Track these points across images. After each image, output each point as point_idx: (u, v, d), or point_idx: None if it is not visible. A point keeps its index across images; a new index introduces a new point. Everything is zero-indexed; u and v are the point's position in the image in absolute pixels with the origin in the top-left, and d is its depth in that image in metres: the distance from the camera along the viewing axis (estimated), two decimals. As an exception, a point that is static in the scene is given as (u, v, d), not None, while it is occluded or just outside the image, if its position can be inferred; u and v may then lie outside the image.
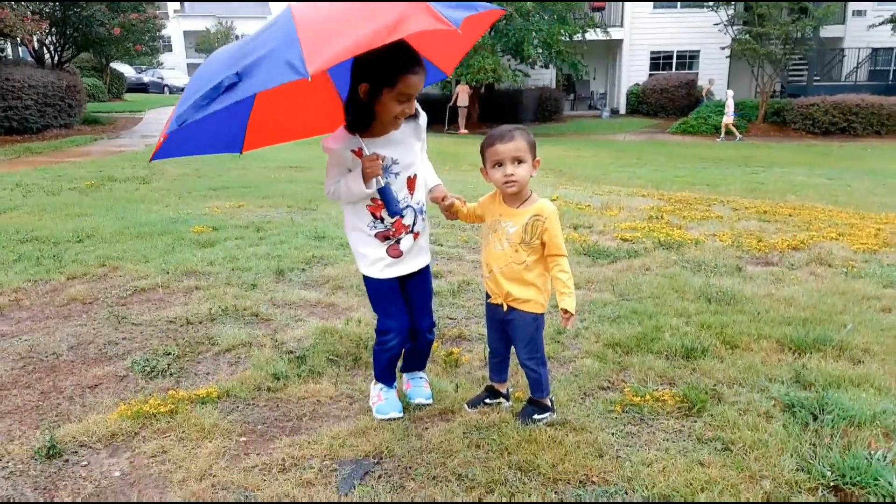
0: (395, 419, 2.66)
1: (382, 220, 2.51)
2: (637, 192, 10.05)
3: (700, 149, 20.07)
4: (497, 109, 24.51)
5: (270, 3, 46.30)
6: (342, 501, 2.14)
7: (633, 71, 28.18)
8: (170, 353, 3.42)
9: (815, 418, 2.62)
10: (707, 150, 19.59)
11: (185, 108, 1.92)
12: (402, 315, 2.63)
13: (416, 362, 2.92)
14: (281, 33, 1.89)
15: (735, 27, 24.27)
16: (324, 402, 2.88)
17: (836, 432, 2.51)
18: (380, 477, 2.28)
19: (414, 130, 2.53)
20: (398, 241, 2.54)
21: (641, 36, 27.69)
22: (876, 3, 25.59)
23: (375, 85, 2.30)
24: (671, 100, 25.77)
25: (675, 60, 28.42)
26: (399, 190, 2.48)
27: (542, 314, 2.59)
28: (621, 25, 27.68)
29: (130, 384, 3.12)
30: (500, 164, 2.41)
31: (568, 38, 23.30)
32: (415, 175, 2.52)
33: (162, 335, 3.71)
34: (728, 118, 21.83)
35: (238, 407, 2.83)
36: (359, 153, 2.42)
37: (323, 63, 1.74)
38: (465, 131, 22.87)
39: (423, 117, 2.55)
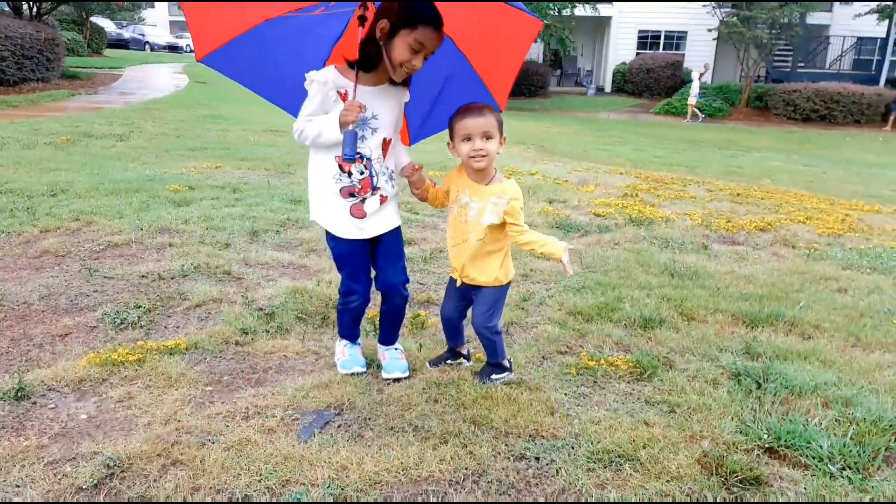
0: (358, 373, 2.73)
1: (350, 174, 2.49)
2: (615, 170, 10.16)
3: (682, 130, 20.21)
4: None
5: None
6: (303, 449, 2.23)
7: (621, 49, 28.16)
8: (140, 307, 3.47)
9: (759, 386, 2.75)
10: (688, 131, 19.73)
11: None
12: (366, 276, 2.66)
13: (391, 329, 2.85)
14: None
15: (723, 10, 24.31)
16: (290, 356, 2.96)
17: (777, 399, 2.64)
18: (339, 427, 2.37)
19: (401, 96, 2.57)
20: (363, 201, 2.53)
21: (630, 14, 27.63)
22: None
23: (396, 24, 2.32)
24: (656, 80, 25.84)
25: (662, 41, 28.43)
26: (374, 148, 2.50)
27: (505, 286, 2.65)
28: (611, 2, 27.57)
29: (100, 334, 3.18)
30: (468, 138, 2.45)
31: (557, 13, 23.19)
32: (390, 139, 2.56)
33: (133, 289, 3.75)
34: (692, 98, 22.03)
35: (205, 358, 2.90)
36: (344, 96, 2.42)
37: None
38: None
39: (407, 94, 2.60)
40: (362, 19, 2.32)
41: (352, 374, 2.73)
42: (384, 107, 2.50)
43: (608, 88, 28.61)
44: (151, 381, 2.66)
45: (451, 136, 2.52)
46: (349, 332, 2.82)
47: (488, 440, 2.29)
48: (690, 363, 2.98)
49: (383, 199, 2.58)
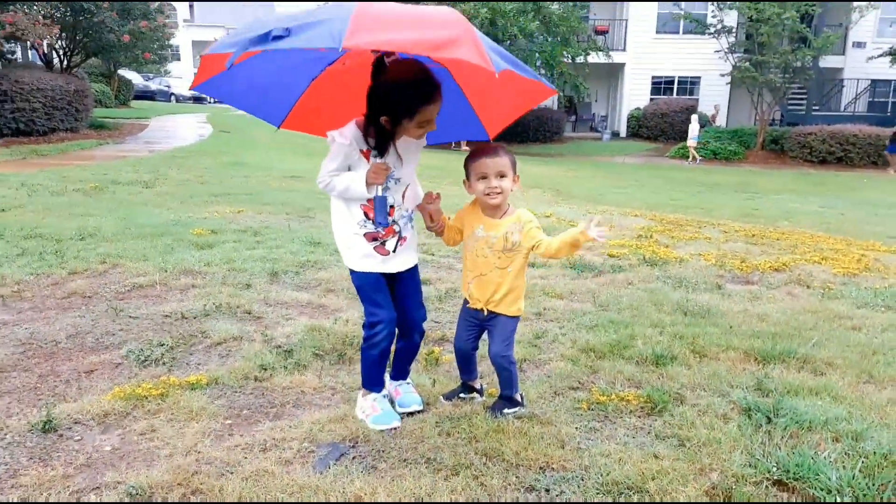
0: (395, 428, 2.64)
1: (374, 221, 2.60)
2: (630, 212, 10.24)
3: (697, 173, 20.33)
4: (500, 128, 24.79)
5: (275, 3, 46.59)
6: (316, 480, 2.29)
7: (635, 95, 28.53)
8: (164, 344, 3.58)
9: (770, 421, 2.78)
10: (704, 175, 19.84)
11: (236, 40, 2.06)
12: (390, 306, 2.69)
13: (404, 365, 2.91)
14: (339, 11, 2.05)
15: (735, 55, 24.63)
16: (307, 392, 3.04)
17: (786, 434, 2.66)
18: (354, 458, 2.44)
19: (417, 148, 2.69)
20: (384, 243, 2.64)
21: (643, 61, 28.06)
22: (876, 35, 25.97)
23: (396, 117, 2.45)
24: (671, 124, 26.09)
25: (676, 86, 28.78)
26: (398, 197, 2.63)
27: (519, 317, 2.75)
28: (624, 49, 28.06)
29: (125, 371, 3.28)
30: (484, 176, 2.58)
31: (570, 60, 23.64)
32: (408, 186, 2.69)
33: (157, 328, 3.87)
34: (692, 141, 22.36)
35: (225, 393, 2.99)
36: (366, 154, 2.52)
37: (358, 43, 1.90)
38: (468, 149, 23.11)
39: (423, 140, 2.70)
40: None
41: (390, 429, 2.63)
42: (406, 158, 2.61)
43: (623, 133, 28.90)
44: (173, 414, 2.75)
45: (467, 176, 2.65)
46: (375, 377, 2.75)
47: (499, 472, 2.34)
48: (701, 398, 3.02)
49: (402, 240, 2.69)
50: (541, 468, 2.38)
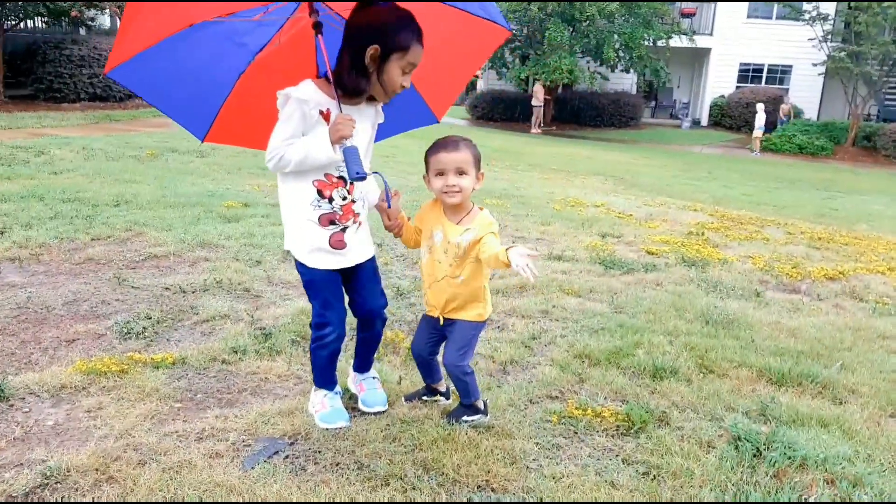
0: (341, 428, 2.50)
1: (331, 199, 2.33)
2: (690, 206, 9.72)
3: (778, 168, 19.21)
4: (572, 111, 24.21)
5: None
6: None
7: (720, 82, 27.18)
8: (150, 318, 3.55)
9: (758, 454, 2.48)
10: (785, 169, 18.73)
11: None
12: (341, 305, 2.50)
13: (368, 355, 2.73)
14: None
15: (831, 44, 23.07)
16: (271, 379, 2.94)
17: (772, 471, 2.37)
18: (287, 458, 2.31)
19: (376, 117, 2.47)
20: (344, 230, 2.38)
21: (731, 46, 26.64)
22: None
23: (388, 47, 2.21)
24: (756, 115, 24.73)
25: (765, 74, 27.23)
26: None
27: (482, 322, 2.53)
28: (711, 34, 26.73)
29: (104, 343, 3.27)
30: (441, 173, 2.37)
31: (652, 43, 22.71)
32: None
33: (152, 300, 3.86)
34: (758, 132, 21.40)
35: (187, 374, 2.92)
36: (327, 115, 2.26)
37: None
38: (538, 131, 22.61)
39: (382, 115, 2.49)
40: (318, 26, 2.26)
41: (335, 428, 2.49)
42: (361, 128, 2.35)
43: (704, 122, 27.65)
44: (125, 393, 2.70)
45: (426, 170, 2.44)
46: (326, 376, 2.57)
47: (431, 487, 2.16)
48: (688, 421, 2.74)
49: (360, 225, 2.46)
50: (478, 486, 2.19)
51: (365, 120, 2.40)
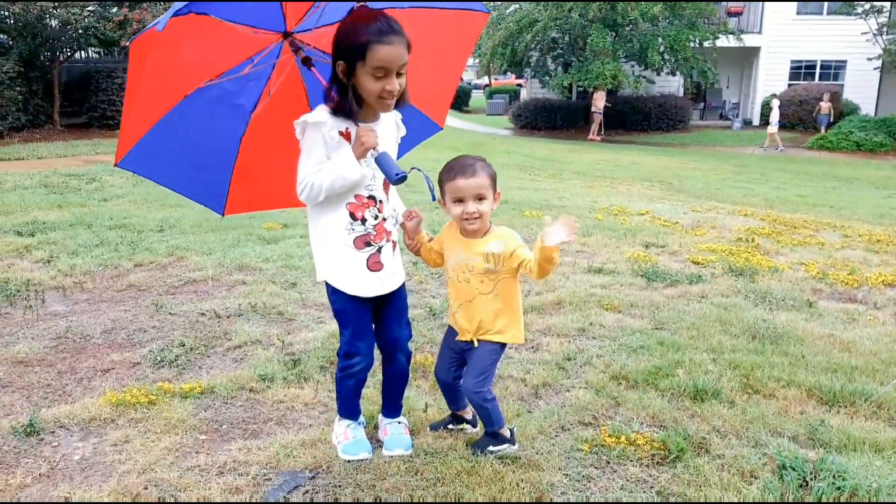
0: (364, 460, 2.44)
1: (364, 220, 2.28)
2: (740, 210, 9.40)
3: (835, 167, 18.49)
4: (618, 116, 23.80)
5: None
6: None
7: (771, 80, 26.35)
8: (184, 345, 3.58)
9: (805, 484, 2.32)
10: (843, 168, 18.02)
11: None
12: (371, 335, 2.46)
13: (395, 396, 2.62)
14: None
15: (887, 37, 22.14)
16: (297, 408, 2.90)
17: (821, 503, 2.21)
18: (307, 492, 2.27)
19: (395, 129, 2.40)
20: (380, 250, 2.32)
21: (781, 43, 25.82)
22: None
23: (349, 61, 2.13)
24: (811, 112, 23.89)
25: (818, 70, 26.30)
26: (379, 189, 2.31)
27: (504, 346, 2.45)
28: (760, 32, 25.98)
29: (138, 372, 3.30)
30: (460, 200, 2.31)
31: (698, 45, 22.20)
32: (385, 196, 2.38)
33: (187, 326, 3.89)
34: (772, 127, 20.94)
35: (214, 404, 2.91)
36: (347, 135, 2.21)
37: None
38: (597, 139, 22.24)
39: (402, 127, 2.43)
40: (308, 60, 2.22)
41: (358, 460, 2.44)
42: (383, 144, 2.27)
43: (756, 122, 26.83)
44: (152, 425, 2.70)
45: (442, 194, 2.38)
46: (350, 406, 2.53)
47: (452, 524, 2.09)
48: (730, 448, 2.59)
49: (394, 245, 2.41)
50: (502, 524, 2.10)
51: (387, 135, 2.33)
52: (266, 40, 2.31)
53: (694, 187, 13.07)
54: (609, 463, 2.48)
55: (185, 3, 1.90)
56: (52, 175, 9.36)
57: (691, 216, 8.34)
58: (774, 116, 21.12)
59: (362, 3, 2.19)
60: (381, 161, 2.16)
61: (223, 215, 2.62)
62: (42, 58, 14.42)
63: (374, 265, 2.34)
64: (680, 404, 2.97)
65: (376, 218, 2.32)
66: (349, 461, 2.43)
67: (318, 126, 2.20)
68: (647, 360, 3.44)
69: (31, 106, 14.12)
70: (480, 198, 2.29)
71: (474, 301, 2.39)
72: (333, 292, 2.38)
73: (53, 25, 13.51)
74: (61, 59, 14.91)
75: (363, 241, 2.31)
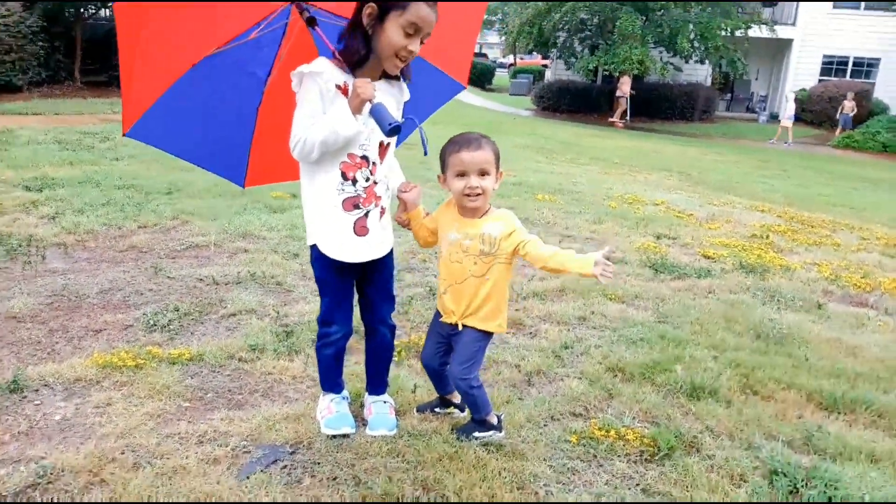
0: (346, 435, 2.41)
1: (354, 181, 2.21)
2: (758, 206, 9.23)
3: (860, 167, 18.13)
4: (643, 103, 23.43)
5: None
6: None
7: (802, 74, 25.80)
8: (178, 310, 3.55)
9: (795, 491, 2.26)
10: (869, 169, 17.65)
11: None
12: (349, 305, 2.42)
13: (379, 372, 2.58)
14: None
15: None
16: (285, 380, 2.87)
17: (810, 513, 2.14)
18: (285, 467, 2.23)
19: (400, 95, 2.31)
20: (366, 215, 2.25)
21: (815, 37, 25.26)
22: None
23: (384, 6, 2.07)
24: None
25: (850, 67, 25.69)
26: (375, 152, 2.24)
27: (490, 334, 2.38)
28: (793, 24, 25.40)
29: (129, 334, 3.27)
30: (463, 174, 2.23)
31: (729, 34, 21.74)
32: (388, 144, 2.30)
33: (184, 291, 3.86)
34: (786, 121, 20.74)
35: (202, 372, 2.88)
36: (344, 90, 2.13)
37: None
38: (620, 124, 21.89)
39: (407, 92, 2.33)
40: (312, 21, 2.14)
41: (339, 434, 2.40)
42: (383, 102, 2.16)
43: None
44: (136, 389, 2.67)
45: (443, 169, 2.30)
46: (333, 377, 2.49)
47: (428, 509, 2.04)
48: (721, 449, 2.52)
49: (382, 212, 2.33)
50: (479, 512, 2.05)
51: (387, 96, 2.23)
52: (271, 5, 2.23)
53: (714, 179, 12.85)
54: (596, 457, 2.42)
55: None
56: (66, 131, 9.35)
57: (707, 209, 8.19)
58: (790, 110, 20.90)
59: None
60: (375, 112, 2.07)
61: (244, 187, 2.57)
62: (66, 13, 14.37)
63: (361, 229, 2.26)
64: (675, 401, 2.90)
65: (367, 180, 2.24)
66: (332, 436, 2.39)
67: (315, 76, 2.13)
68: (646, 354, 3.36)
69: (52, 62, 14.11)
70: (483, 173, 2.21)
71: (465, 283, 2.32)
72: (318, 258, 2.32)
73: (78, -20, 13.48)
74: (85, 15, 14.85)
75: (352, 203, 2.23)
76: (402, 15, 2.06)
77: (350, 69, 2.16)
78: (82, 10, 14.60)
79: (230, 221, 5.35)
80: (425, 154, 2.22)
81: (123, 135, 2.21)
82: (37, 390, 2.65)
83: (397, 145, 2.40)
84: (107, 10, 16.21)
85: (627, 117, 21.99)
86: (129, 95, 2.16)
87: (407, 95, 2.34)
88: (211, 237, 4.91)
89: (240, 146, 2.47)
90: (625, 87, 21.75)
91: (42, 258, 4.27)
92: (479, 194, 2.23)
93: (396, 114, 2.28)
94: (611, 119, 21.96)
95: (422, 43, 2.13)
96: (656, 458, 2.42)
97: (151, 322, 3.39)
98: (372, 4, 2.08)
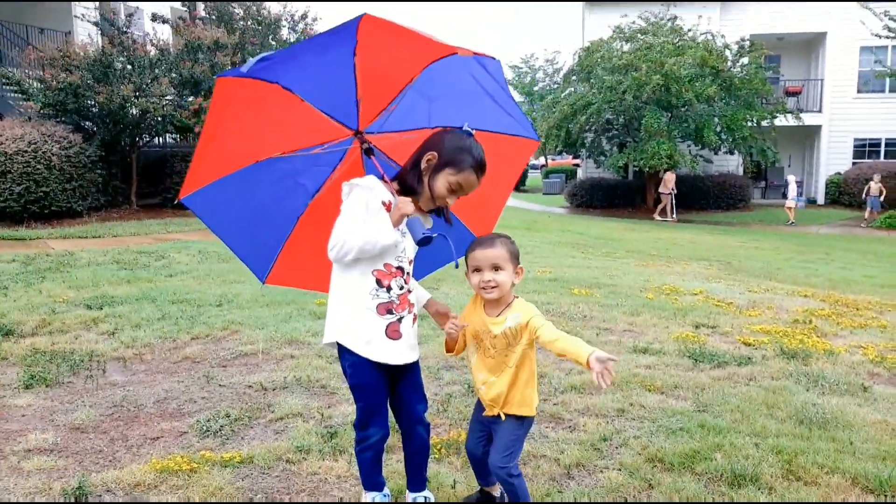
0: None
1: (389, 289, 2.39)
2: (800, 291, 9.16)
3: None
4: (676, 196, 23.72)
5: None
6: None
7: (834, 158, 25.94)
8: (229, 416, 3.72)
9: (841, 576, 2.24)
10: (914, 248, 17.33)
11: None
12: (385, 409, 2.53)
13: (419, 470, 2.66)
14: None
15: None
16: (330, 480, 2.98)
17: None
18: (332, 563, 2.31)
19: (425, 222, 2.54)
20: (400, 320, 2.41)
21: (843, 122, 25.54)
22: None
23: (443, 162, 2.40)
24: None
25: (883, 148, 25.77)
26: (405, 264, 2.46)
27: (530, 419, 2.50)
28: (819, 111, 25.78)
29: (184, 440, 3.44)
30: (478, 269, 2.44)
31: (755, 124, 22.14)
32: (411, 259, 2.53)
33: (235, 398, 4.04)
34: (790, 202, 21.69)
35: (252, 474, 3.01)
36: (388, 207, 2.38)
37: None
38: (671, 219, 22.01)
39: (430, 221, 2.56)
40: (369, 151, 2.44)
41: None
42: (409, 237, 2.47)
43: (821, 200, 26.31)
44: (191, 492, 2.81)
45: (466, 267, 2.51)
46: (373, 477, 2.59)
47: None
48: (764, 535, 2.52)
49: (415, 318, 2.50)
50: None
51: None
52: (339, 131, 2.55)
53: (754, 267, 12.80)
54: (636, 546, 2.45)
55: (270, 61, 2.18)
56: (124, 252, 9.92)
57: (747, 296, 8.18)
58: (792, 191, 21.92)
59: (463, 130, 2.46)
60: (410, 224, 2.36)
61: (263, 283, 2.79)
62: (122, 143, 15.49)
63: (393, 333, 2.42)
64: (715, 489, 2.91)
65: (401, 288, 2.44)
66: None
67: (365, 189, 2.37)
68: (686, 443, 3.38)
69: (110, 187, 15.08)
70: (497, 268, 2.41)
71: (496, 374, 2.47)
72: (351, 364, 2.45)
73: (134, 113, 14.54)
74: (140, 143, 15.97)
75: (385, 308, 2.40)
76: (453, 174, 2.40)
77: (394, 193, 2.44)
78: (137, 139, 15.71)
79: (277, 329, 5.58)
80: (456, 267, 2.48)
81: (179, 200, 2.48)
82: (100, 496, 2.81)
83: (430, 270, 2.71)
84: (159, 139, 17.41)
85: (674, 214, 22.13)
86: (196, 167, 2.45)
87: (430, 223, 2.57)
88: (259, 345, 5.14)
89: (272, 246, 2.71)
90: (669, 183, 21.98)
91: (102, 372, 4.53)
92: (493, 287, 2.41)
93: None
94: (655, 216, 22.12)
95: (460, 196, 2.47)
96: (698, 546, 2.44)
97: (204, 428, 3.56)
98: (434, 154, 2.41)
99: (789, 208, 21.86)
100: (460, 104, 2.55)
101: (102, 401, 3.98)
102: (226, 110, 2.36)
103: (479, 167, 2.42)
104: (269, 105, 2.36)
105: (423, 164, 2.42)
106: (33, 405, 3.91)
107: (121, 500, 2.78)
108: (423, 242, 2.32)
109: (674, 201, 22.26)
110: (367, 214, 2.34)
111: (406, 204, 2.34)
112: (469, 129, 2.44)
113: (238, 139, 2.45)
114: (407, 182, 2.47)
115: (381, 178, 2.44)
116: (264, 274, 2.77)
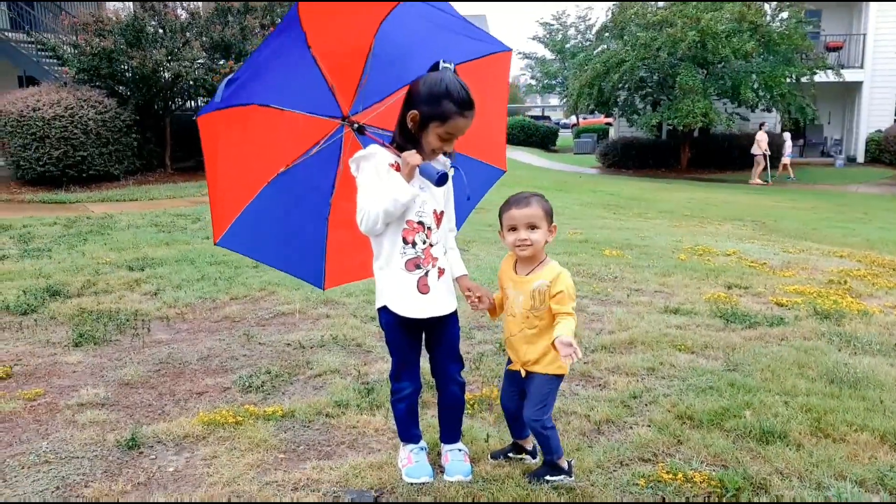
0: (426, 484, 2.58)
1: (414, 244, 2.47)
2: (836, 251, 9.03)
3: (950, 205, 17.34)
4: (711, 154, 23.32)
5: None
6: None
7: (875, 115, 25.16)
8: (270, 373, 3.86)
9: (866, 529, 2.30)
10: (958, 207, 16.86)
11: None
12: (418, 364, 2.64)
13: (452, 424, 2.75)
14: None
15: None
16: (368, 432, 3.10)
17: (880, 548, 2.18)
18: (371, 510, 2.44)
19: (441, 165, 2.55)
20: (427, 274, 2.49)
21: (885, 78, 24.70)
22: None
23: (426, 117, 2.39)
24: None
25: (928, 104, 24.93)
26: (430, 219, 2.50)
27: (560, 376, 2.57)
28: (861, 66, 24.94)
29: (228, 395, 3.60)
30: (513, 228, 2.49)
31: (794, 80, 21.50)
32: (442, 212, 2.56)
33: (274, 356, 4.19)
34: (785, 159, 21.70)
35: (294, 427, 3.15)
36: (396, 168, 2.43)
37: None
38: (760, 182, 21.35)
39: (447, 163, 2.56)
40: (361, 129, 2.51)
41: (420, 483, 2.58)
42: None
43: (860, 159, 25.62)
44: (238, 443, 2.96)
45: (501, 226, 2.56)
46: (409, 429, 2.70)
47: (504, 546, 2.20)
48: (790, 489, 2.57)
49: (441, 272, 2.55)
50: (551, 549, 2.19)
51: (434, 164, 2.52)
52: (327, 124, 2.61)
53: (789, 227, 12.61)
54: (664, 499, 2.53)
55: (237, 82, 2.24)
56: (161, 215, 10.15)
57: (781, 257, 8.10)
58: (787, 148, 21.98)
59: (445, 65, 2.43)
60: (423, 169, 2.41)
61: (324, 290, 2.90)
62: (156, 107, 15.69)
63: (423, 287, 2.50)
64: (744, 445, 2.97)
65: (424, 242, 2.50)
66: (412, 483, 2.59)
67: (370, 157, 2.45)
68: (715, 401, 3.43)
69: (145, 151, 15.34)
70: (532, 227, 2.46)
71: (517, 336, 2.54)
72: (387, 322, 2.57)
73: (166, 77, 14.70)
74: (173, 108, 16.16)
75: (413, 264, 2.49)
76: (440, 126, 2.40)
77: (398, 154, 2.48)
78: (170, 103, 15.89)
79: (312, 290, 5.70)
80: (467, 199, 2.60)
81: (215, 244, 2.59)
82: (151, 446, 2.97)
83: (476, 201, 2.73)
84: (192, 102, 17.57)
85: (768, 176, 21.42)
86: (215, 210, 2.54)
87: (451, 171, 2.59)
88: (295, 305, 5.28)
89: (316, 254, 2.81)
90: (762, 143, 21.22)
91: (147, 330, 4.71)
92: (528, 245, 2.46)
93: (447, 194, 2.61)
94: (751, 181, 21.46)
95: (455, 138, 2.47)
96: (723, 498, 2.51)
97: (247, 384, 3.71)
98: (415, 112, 2.41)
99: (785, 165, 21.86)
100: (423, 50, 2.52)
101: (149, 358, 4.15)
102: (217, 149, 2.45)
103: (464, 106, 2.37)
104: (253, 128, 2.43)
105: (409, 125, 2.43)
106: (83, 362, 4.10)
107: (121, 501, 2.93)
108: (442, 181, 2.40)
109: (768, 163, 21.54)
110: (379, 180, 2.42)
111: (412, 156, 2.39)
112: (448, 65, 2.40)
113: (240, 171, 2.54)
114: (400, 143, 2.49)
115: (382, 145, 2.50)
116: (321, 281, 2.89)
